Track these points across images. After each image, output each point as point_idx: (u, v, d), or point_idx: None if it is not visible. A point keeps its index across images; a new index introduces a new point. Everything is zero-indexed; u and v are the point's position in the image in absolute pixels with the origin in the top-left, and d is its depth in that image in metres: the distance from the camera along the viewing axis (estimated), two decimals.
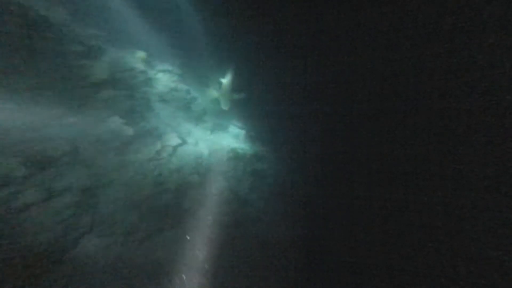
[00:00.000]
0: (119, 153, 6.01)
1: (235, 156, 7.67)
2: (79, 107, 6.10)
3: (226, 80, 7.57)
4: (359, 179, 7.01)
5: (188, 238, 5.88)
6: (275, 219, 7.06)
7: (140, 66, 7.62)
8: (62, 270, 4.52)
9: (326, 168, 7.45)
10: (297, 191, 7.59)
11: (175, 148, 7.02)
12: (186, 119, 8.00)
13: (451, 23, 5.20)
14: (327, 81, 6.94)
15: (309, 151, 7.65)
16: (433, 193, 5.97)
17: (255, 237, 6.55)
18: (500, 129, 5.09)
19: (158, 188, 6.22)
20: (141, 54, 8.05)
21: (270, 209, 7.17)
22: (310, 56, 6.90)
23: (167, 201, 6.22)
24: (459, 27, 5.13)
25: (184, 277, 5.38)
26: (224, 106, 7.70)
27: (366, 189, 6.90)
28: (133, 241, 5.48)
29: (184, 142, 7.35)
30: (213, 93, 8.00)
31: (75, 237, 4.96)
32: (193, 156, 7.17)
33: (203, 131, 8.22)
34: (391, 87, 6.22)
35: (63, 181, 5.09)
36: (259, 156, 7.86)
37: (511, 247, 5.07)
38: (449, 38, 5.29)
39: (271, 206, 7.22)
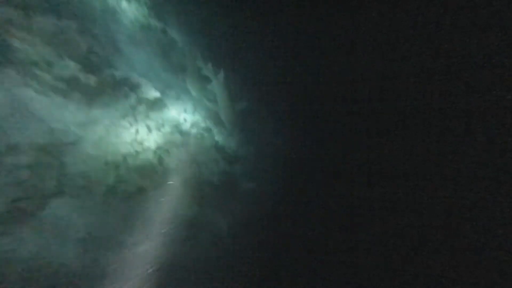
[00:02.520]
0: (81, 107, 4.96)
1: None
2: None
3: (223, 92, 7.17)
4: (359, 179, 7.01)
5: (163, 199, 5.72)
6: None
7: None
8: (26, 231, 4.27)
9: (326, 168, 7.45)
10: (297, 191, 7.58)
11: (153, 102, 6.05)
12: (164, 68, 6.56)
13: (451, 23, 5.20)
14: (327, 81, 6.94)
15: (309, 151, 7.65)
16: (433, 193, 5.97)
17: (255, 237, 6.55)
18: (500, 129, 5.08)
19: (136, 147, 5.64)
20: None
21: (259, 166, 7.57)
22: (310, 56, 6.90)
23: (147, 161, 5.72)
24: (459, 27, 5.13)
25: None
26: (227, 120, 7.32)
27: (366, 189, 6.89)
28: (112, 202, 5.14)
29: (163, 96, 6.32)
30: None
31: (40, 199, 4.48)
32: (174, 112, 6.44)
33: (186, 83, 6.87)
34: (391, 87, 6.21)
35: (7, 139, 4.25)
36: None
37: (511, 247, 5.06)
38: (449, 38, 5.29)
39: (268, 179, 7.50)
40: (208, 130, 6.85)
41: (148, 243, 5.14)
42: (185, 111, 6.67)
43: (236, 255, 6.06)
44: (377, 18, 5.84)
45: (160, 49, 6.61)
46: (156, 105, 6.09)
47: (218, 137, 6.87)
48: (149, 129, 5.91)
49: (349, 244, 6.98)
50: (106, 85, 5.39)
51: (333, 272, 6.91)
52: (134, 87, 5.78)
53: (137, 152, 5.62)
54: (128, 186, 5.39)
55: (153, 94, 6.03)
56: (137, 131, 5.67)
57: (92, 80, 5.11)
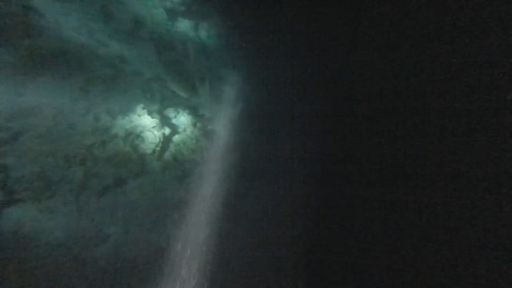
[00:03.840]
0: (10, 88, 3.76)
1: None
2: None
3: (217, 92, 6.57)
4: (359, 179, 7.01)
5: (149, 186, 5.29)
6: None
7: None
8: None
9: (326, 168, 7.45)
10: (297, 191, 7.58)
11: (112, 78, 4.72)
12: (107, 33, 4.68)
13: (451, 23, 5.20)
14: (327, 81, 6.94)
15: (309, 151, 7.65)
16: (433, 193, 5.97)
17: (254, 237, 6.54)
18: (500, 129, 5.09)
19: (101, 136, 4.89)
20: None
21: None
22: (310, 56, 6.90)
23: (117, 150, 5.00)
24: (459, 27, 5.13)
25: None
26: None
27: (366, 189, 6.89)
28: (87, 199, 4.60)
29: (117, 71, 4.90)
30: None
31: None
32: (139, 90, 5.41)
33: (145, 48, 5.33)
34: (391, 87, 6.22)
35: None
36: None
37: (511, 247, 5.07)
38: (449, 38, 5.29)
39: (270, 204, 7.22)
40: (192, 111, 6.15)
41: (136, 235, 5.00)
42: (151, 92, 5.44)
43: (235, 255, 6.06)
44: (377, 18, 5.85)
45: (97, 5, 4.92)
46: (113, 83, 4.81)
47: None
48: (110, 113, 4.96)
49: (349, 244, 6.98)
50: (43, 56, 3.86)
51: (333, 272, 6.91)
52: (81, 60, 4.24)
53: (103, 142, 4.83)
54: (102, 180, 4.83)
55: (107, 70, 4.63)
56: (96, 118, 4.71)
57: (24, 50, 3.37)
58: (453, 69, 5.40)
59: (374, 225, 6.75)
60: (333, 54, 6.64)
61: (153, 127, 5.83)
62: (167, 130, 6.09)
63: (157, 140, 5.81)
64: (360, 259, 6.78)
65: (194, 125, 6.53)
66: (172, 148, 6.02)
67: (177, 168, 5.86)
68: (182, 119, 6.41)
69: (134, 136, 5.49)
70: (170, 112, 6.30)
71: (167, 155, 5.85)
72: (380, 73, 6.28)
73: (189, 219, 5.79)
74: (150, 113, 5.86)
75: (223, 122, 6.91)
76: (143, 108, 5.66)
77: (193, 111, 6.51)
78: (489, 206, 5.28)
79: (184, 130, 6.33)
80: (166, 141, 5.96)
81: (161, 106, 6.18)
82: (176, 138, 6.18)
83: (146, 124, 5.67)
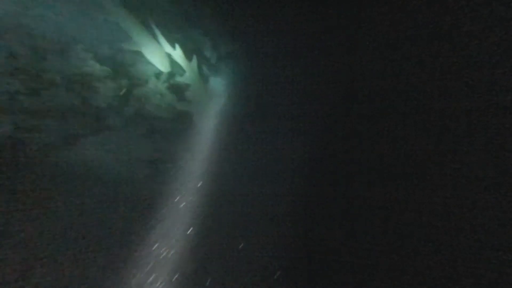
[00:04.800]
0: None
1: None
2: None
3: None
4: (359, 179, 7.01)
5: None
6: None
7: None
8: None
9: (326, 168, 7.45)
10: (297, 191, 7.58)
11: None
12: None
13: (451, 23, 5.20)
14: (327, 81, 6.94)
15: (309, 151, 7.65)
16: (433, 193, 5.97)
17: (254, 237, 6.54)
18: (500, 129, 5.09)
19: (29, 82, 4.03)
20: None
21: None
22: (310, 56, 6.90)
23: (59, 101, 4.24)
24: (459, 27, 5.14)
25: None
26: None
27: (366, 189, 6.89)
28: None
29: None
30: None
31: None
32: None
33: None
34: (391, 87, 6.22)
35: None
36: None
37: (511, 247, 5.07)
38: (449, 38, 5.30)
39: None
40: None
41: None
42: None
43: (235, 255, 6.06)
44: (377, 18, 5.85)
45: None
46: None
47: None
48: (37, 51, 3.97)
49: (349, 244, 6.98)
50: None
51: (332, 272, 6.91)
52: None
53: (34, 90, 3.87)
54: (43, 136, 4.04)
55: None
56: (15, 55, 3.72)
57: None
58: (453, 69, 5.40)
59: (374, 225, 6.76)
60: (333, 54, 6.64)
61: (105, 77, 4.78)
62: (124, 82, 4.98)
63: (112, 92, 4.89)
64: (360, 259, 6.78)
65: (157, 76, 5.44)
66: (133, 102, 5.24)
67: (141, 124, 5.22)
68: (142, 68, 5.25)
69: (79, 85, 4.48)
70: (127, 59, 5.09)
71: (128, 111, 5.11)
72: (380, 73, 6.28)
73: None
74: (97, 58, 4.68)
75: (214, 117, 6.30)
76: (86, 51, 4.56)
77: (158, 59, 5.29)
78: (489, 206, 5.28)
79: (147, 82, 5.35)
80: (124, 94, 5.03)
81: (112, 49, 4.94)
82: (136, 91, 5.34)
83: (94, 72, 4.54)
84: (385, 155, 6.61)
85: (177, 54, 5.66)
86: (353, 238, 6.96)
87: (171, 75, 5.65)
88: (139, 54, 5.21)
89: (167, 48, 5.43)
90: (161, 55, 5.24)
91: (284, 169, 8.01)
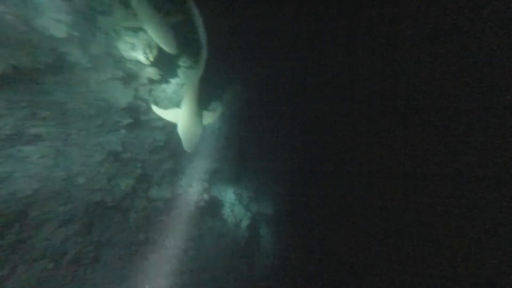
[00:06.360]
0: None
1: None
2: None
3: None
4: (359, 179, 7.01)
5: None
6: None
7: None
8: None
9: (326, 168, 7.45)
10: (297, 191, 7.59)
11: None
12: None
13: (451, 23, 5.20)
14: (327, 81, 6.94)
15: (309, 151, 7.65)
16: (433, 193, 5.98)
17: (253, 237, 6.54)
18: (500, 129, 5.09)
19: None
20: None
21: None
22: (310, 56, 6.90)
23: None
24: (459, 27, 5.14)
25: None
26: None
27: (366, 189, 6.90)
28: None
29: None
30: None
31: None
32: None
33: None
34: (391, 87, 6.22)
35: None
36: None
37: (511, 247, 5.07)
38: (449, 38, 5.30)
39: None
40: None
41: None
42: None
43: (235, 255, 6.06)
44: (377, 18, 5.85)
45: None
46: None
47: None
48: None
49: (349, 244, 6.99)
50: None
51: (332, 272, 6.91)
52: None
53: None
54: None
55: None
56: None
57: None
58: (453, 69, 5.40)
59: (374, 225, 6.76)
60: (333, 54, 6.65)
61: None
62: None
63: (67, 23, 3.77)
64: (360, 259, 6.78)
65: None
66: (99, 39, 4.25)
67: (114, 66, 4.36)
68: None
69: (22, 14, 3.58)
70: None
71: (94, 49, 4.14)
72: (380, 73, 6.28)
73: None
74: None
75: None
76: None
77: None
78: (489, 206, 5.28)
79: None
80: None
81: None
82: (101, 20, 4.29)
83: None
84: (385, 155, 6.61)
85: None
86: (353, 238, 6.96)
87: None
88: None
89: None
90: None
91: (284, 169, 8.01)
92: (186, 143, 4.07)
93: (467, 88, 5.31)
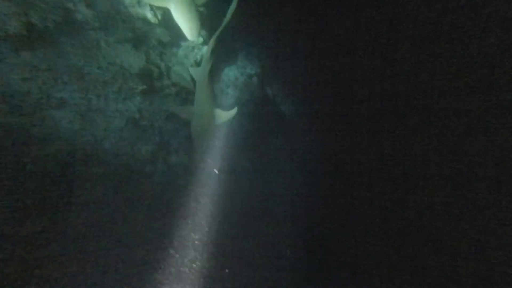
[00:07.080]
0: None
1: None
2: None
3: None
4: (359, 179, 7.01)
5: None
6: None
7: None
8: None
9: (326, 168, 7.45)
10: (297, 191, 7.59)
11: None
12: None
13: (451, 23, 5.20)
14: (327, 81, 6.94)
15: (309, 151, 7.65)
16: (433, 193, 5.97)
17: (253, 237, 6.54)
18: (500, 129, 5.09)
19: None
20: None
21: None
22: (310, 56, 6.90)
23: None
24: (459, 27, 5.13)
25: None
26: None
27: (366, 189, 6.90)
28: None
29: None
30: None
31: None
32: None
33: None
34: (391, 87, 6.22)
35: None
36: None
37: (511, 247, 5.07)
38: (449, 38, 5.29)
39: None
40: None
41: None
42: None
43: (235, 255, 6.05)
44: (377, 18, 5.84)
45: None
46: None
47: None
48: None
49: (349, 244, 6.98)
50: None
51: (332, 272, 6.91)
52: None
53: None
54: None
55: None
56: None
57: None
58: (453, 69, 5.39)
59: (374, 225, 6.76)
60: (333, 54, 6.64)
61: None
62: None
63: None
64: (360, 259, 6.78)
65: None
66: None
67: (122, 26, 4.29)
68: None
69: None
70: None
71: (100, 4, 4.04)
72: (380, 73, 6.28)
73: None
74: None
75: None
76: None
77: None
78: (489, 206, 5.28)
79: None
80: None
81: None
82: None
83: None
84: (385, 155, 6.60)
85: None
86: (353, 238, 6.96)
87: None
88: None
89: None
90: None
91: (284, 169, 8.01)
92: (197, 141, 4.14)
93: (467, 88, 5.30)
